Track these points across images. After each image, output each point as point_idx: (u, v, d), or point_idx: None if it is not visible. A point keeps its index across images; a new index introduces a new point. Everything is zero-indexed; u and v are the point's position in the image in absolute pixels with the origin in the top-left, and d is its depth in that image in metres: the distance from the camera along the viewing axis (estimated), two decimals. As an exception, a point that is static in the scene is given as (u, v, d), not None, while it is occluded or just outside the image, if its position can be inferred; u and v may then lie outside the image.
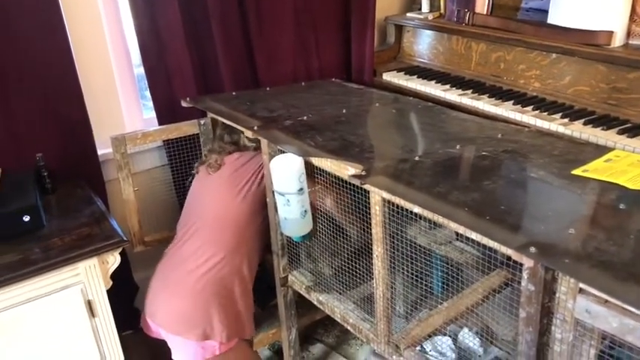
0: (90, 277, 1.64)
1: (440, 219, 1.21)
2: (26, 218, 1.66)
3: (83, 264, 1.61)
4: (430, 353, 1.73)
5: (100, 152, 2.13)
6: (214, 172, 2.00)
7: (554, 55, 2.13)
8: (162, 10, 2.11)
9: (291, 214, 1.70)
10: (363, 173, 1.41)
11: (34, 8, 1.87)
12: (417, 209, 1.27)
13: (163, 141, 2.23)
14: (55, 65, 1.95)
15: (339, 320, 1.74)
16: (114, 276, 1.71)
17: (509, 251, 1.09)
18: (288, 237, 1.84)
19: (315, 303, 1.83)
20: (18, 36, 1.86)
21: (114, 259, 1.68)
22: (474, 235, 1.15)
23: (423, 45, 2.71)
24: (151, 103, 2.25)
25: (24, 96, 1.92)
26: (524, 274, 1.08)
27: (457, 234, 1.64)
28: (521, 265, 1.09)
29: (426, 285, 1.62)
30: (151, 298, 1.85)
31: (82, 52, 2.06)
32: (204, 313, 1.78)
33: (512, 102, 2.13)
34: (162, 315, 1.81)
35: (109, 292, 1.70)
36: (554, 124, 1.93)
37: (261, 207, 1.92)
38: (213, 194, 1.97)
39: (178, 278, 1.82)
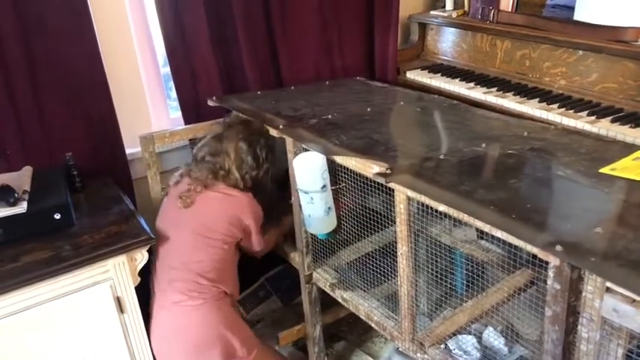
0: (119, 273, 1.68)
1: (465, 217, 1.21)
2: (57, 216, 1.70)
3: (112, 261, 1.64)
4: (454, 352, 1.72)
5: (127, 151, 2.17)
6: (184, 207, 1.80)
7: (580, 52, 2.11)
8: (188, 10, 2.14)
9: (315, 211, 1.71)
10: (388, 172, 1.42)
11: (65, 11, 1.91)
12: (442, 208, 1.27)
13: (189, 140, 2.26)
14: (84, 66, 1.99)
15: (363, 318, 1.75)
16: (141, 273, 1.74)
17: (535, 250, 1.09)
18: (312, 234, 1.86)
19: (340, 300, 1.84)
20: (49, 38, 1.91)
21: (142, 256, 1.71)
22: (499, 234, 1.15)
23: (447, 43, 2.69)
24: (175, 103, 2.28)
25: (54, 97, 1.96)
26: (550, 273, 1.08)
27: (481, 232, 1.63)
28: (547, 263, 1.09)
29: (449, 283, 1.62)
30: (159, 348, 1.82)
31: (110, 53, 2.09)
32: (217, 336, 1.76)
33: (537, 100, 2.11)
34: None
35: (136, 288, 1.73)
36: (581, 122, 1.91)
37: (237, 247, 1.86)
38: (184, 243, 1.78)
39: (176, 326, 1.77)
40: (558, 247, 1.04)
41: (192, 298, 1.73)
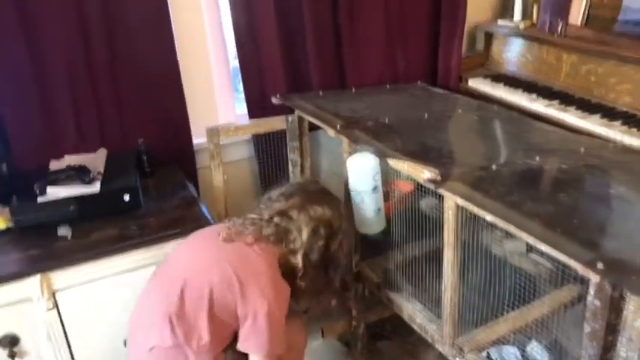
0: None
1: (511, 228, 1.24)
2: (126, 197, 1.83)
3: (172, 243, 1.75)
4: (495, 360, 1.74)
5: (194, 141, 2.30)
6: (223, 239, 1.55)
7: (649, 70, 2.07)
8: (259, 9, 2.24)
9: (365, 211, 1.77)
10: (439, 178, 1.45)
11: (146, 10, 2.06)
12: (489, 217, 1.30)
13: (252, 134, 2.36)
14: (160, 60, 2.13)
15: (406, 319, 1.79)
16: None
17: (576, 265, 1.10)
18: (362, 234, 1.91)
19: (385, 300, 1.88)
20: (131, 35, 2.05)
21: (201, 241, 1.81)
22: (543, 247, 1.17)
23: (512, 53, 2.68)
24: (241, 95, 2.38)
25: (131, 87, 2.11)
26: (591, 290, 1.10)
27: (530, 246, 1.64)
28: (589, 280, 1.10)
29: (495, 293, 1.64)
30: None
31: (184, 48, 2.22)
32: None
33: (599, 115, 2.08)
34: None
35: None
36: (643, 141, 1.88)
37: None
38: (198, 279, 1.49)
39: None
40: (600, 265, 1.05)
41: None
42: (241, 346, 1.48)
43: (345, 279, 1.81)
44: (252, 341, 1.47)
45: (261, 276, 1.48)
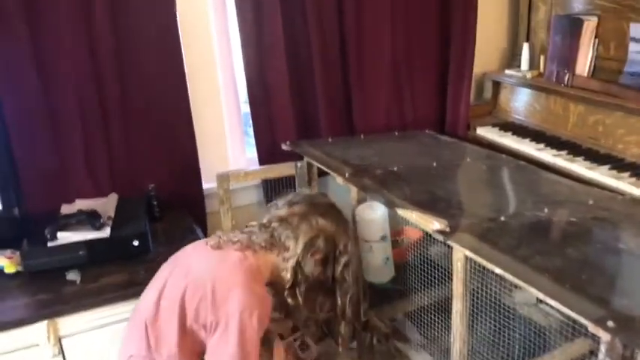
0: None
1: (520, 283, 1.24)
2: (135, 243, 1.84)
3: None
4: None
5: (204, 186, 2.32)
6: (210, 247, 1.50)
7: (656, 122, 2.08)
8: (272, 61, 2.29)
9: (374, 260, 1.76)
10: (448, 229, 1.46)
11: (159, 56, 2.11)
12: (498, 270, 1.30)
13: (261, 179, 2.38)
14: (172, 106, 2.17)
15: (414, 370, 1.76)
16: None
17: (587, 322, 1.09)
18: (370, 282, 1.90)
19: (392, 351, 1.86)
20: (143, 79, 2.10)
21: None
22: (552, 303, 1.16)
23: (520, 102, 2.71)
24: (251, 140, 2.42)
25: (143, 132, 2.15)
26: (602, 348, 1.08)
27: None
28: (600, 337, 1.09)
29: (504, 344, 1.62)
30: None
31: (197, 94, 2.27)
32: None
33: (608, 167, 2.09)
34: None
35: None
36: (652, 194, 1.88)
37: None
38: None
39: None
40: (610, 323, 1.04)
41: None
42: (208, 357, 1.37)
43: (356, 309, 1.68)
44: (220, 352, 1.34)
45: (237, 284, 1.37)
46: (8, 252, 1.80)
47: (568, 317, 1.27)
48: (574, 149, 2.29)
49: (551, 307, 1.73)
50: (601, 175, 2.05)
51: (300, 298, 1.52)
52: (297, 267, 1.50)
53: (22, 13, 1.86)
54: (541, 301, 1.79)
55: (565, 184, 1.86)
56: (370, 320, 1.98)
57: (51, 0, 1.90)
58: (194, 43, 2.24)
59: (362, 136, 2.47)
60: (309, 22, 2.29)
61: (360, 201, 1.81)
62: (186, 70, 2.18)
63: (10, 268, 1.76)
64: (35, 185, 2.01)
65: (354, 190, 1.84)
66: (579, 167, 2.13)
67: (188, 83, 2.19)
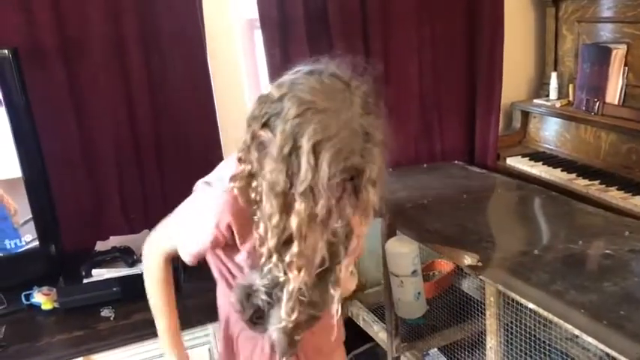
0: (217, 339, 1.78)
1: (555, 319, 1.21)
2: (168, 279, 1.86)
3: (213, 325, 1.76)
4: None
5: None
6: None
7: (691, 150, 2.04)
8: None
9: (405, 295, 1.75)
10: (479, 264, 1.45)
11: (192, 98, 2.17)
12: (531, 306, 1.28)
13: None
14: (204, 146, 2.21)
15: (448, 408, 1.73)
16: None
17: (626, 361, 1.07)
18: (401, 318, 1.88)
19: (426, 386, 1.83)
20: (176, 121, 2.16)
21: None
22: (589, 339, 1.14)
23: (550, 131, 2.69)
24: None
25: (175, 172, 2.19)
26: (643, 387, 1.05)
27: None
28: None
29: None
30: None
31: (228, 135, 2.30)
32: None
33: (643, 196, 2.05)
34: None
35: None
36: (690, 224, 1.83)
37: None
38: None
39: None
40: (651, 361, 1.02)
41: None
42: None
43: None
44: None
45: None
46: (45, 289, 1.84)
47: (607, 354, 1.23)
48: (607, 178, 2.24)
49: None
50: (636, 205, 2.00)
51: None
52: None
53: (60, 60, 1.94)
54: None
55: (599, 215, 1.82)
56: (402, 356, 1.95)
57: (87, 45, 1.98)
58: (224, 81, 2.30)
59: (390, 169, 2.46)
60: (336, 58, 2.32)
61: (390, 235, 1.81)
62: (216, 106, 2.22)
63: (47, 305, 1.80)
64: (72, 223, 2.07)
65: (383, 225, 1.84)
66: (613, 197, 2.09)
67: (219, 122, 2.24)
